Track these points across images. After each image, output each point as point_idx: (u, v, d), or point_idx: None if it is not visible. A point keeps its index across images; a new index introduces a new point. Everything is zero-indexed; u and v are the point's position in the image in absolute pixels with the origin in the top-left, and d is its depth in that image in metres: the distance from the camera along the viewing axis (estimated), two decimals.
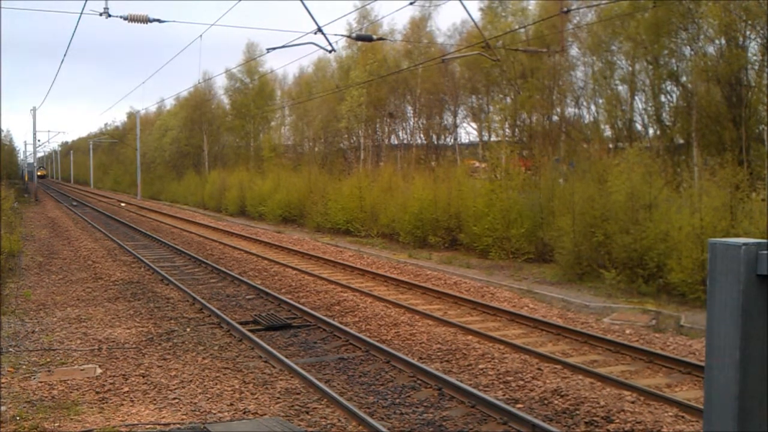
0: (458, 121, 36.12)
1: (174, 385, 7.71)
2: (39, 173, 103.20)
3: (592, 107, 27.63)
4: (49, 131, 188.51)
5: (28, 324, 10.82)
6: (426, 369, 8.14)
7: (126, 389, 7.57)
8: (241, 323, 10.81)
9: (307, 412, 6.96)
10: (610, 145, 24.62)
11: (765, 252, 1.68)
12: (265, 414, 6.80)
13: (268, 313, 11.75)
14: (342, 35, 20.61)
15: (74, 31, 51.40)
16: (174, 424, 6.44)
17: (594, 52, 25.25)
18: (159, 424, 6.42)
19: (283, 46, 16.14)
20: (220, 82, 63.93)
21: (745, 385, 1.69)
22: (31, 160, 76.20)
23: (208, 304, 12.16)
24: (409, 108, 37.53)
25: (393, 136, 40.26)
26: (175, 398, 7.27)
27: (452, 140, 36.71)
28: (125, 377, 8.00)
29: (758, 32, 19.73)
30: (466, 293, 13.54)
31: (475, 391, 7.34)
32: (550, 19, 24.04)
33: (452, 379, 7.78)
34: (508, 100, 30.43)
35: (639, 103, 24.45)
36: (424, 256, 19.28)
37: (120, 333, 10.25)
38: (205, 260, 18.16)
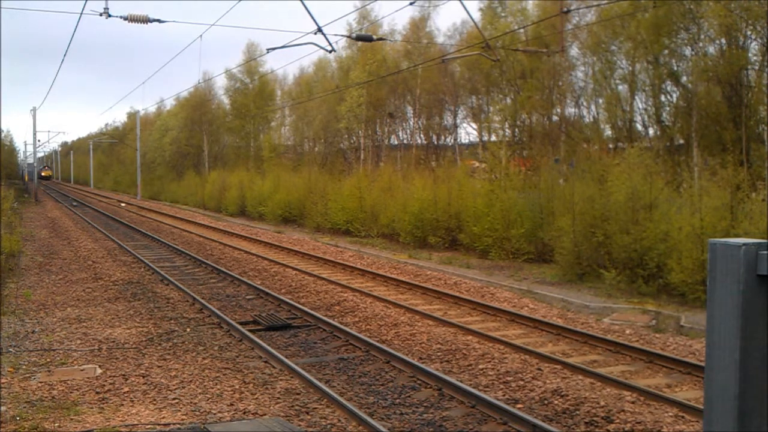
0: (458, 121, 36.17)
1: (174, 386, 7.71)
2: (44, 173, 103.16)
3: (592, 107, 27.67)
4: (49, 131, 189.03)
5: (28, 324, 10.82)
6: (426, 369, 8.14)
7: (126, 389, 7.57)
8: (241, 323, 10.81)
9: (307, 412, 6.96)
10: (610, 145, 24.63)
11: (765, 252, 1.68)
12: (265, 414, 6.80)
13: (268, 314, 11.75)
14: (342, 35, 20.61)
15: (74, 31, 51.47)
16: (174, 424, 6.44)
17: (594, 52, 25.25)
18: (159, 425, 6.42)
19: (283, 47, 16.15)
20: (220, 83, 64.03)
21: (745, 385, 1.69)
22: (31, 160, 76.24)
23: (208, 305, 12.16)
24: (409, 108, 37.56)
25: (393, 137, 40.31)
26: (175, 398, 7.27)
27: (452, 140, 36.74)
28: (125, 377, 8.00)
29: (759, 33, 19.74)
30: (466, 293, 13.54)
31: (475, 391, 7.34)
32: (550, 20, 24.05)
33: (452, 380, 7.77)
34: (508, 100, 30.44)
35: (639, 103, 24.48)
36: (424, 257, 19.28)
37: (120, 333, 10.25)
38: (205, 260, 18.16)
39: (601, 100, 26.20)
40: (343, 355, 9.33)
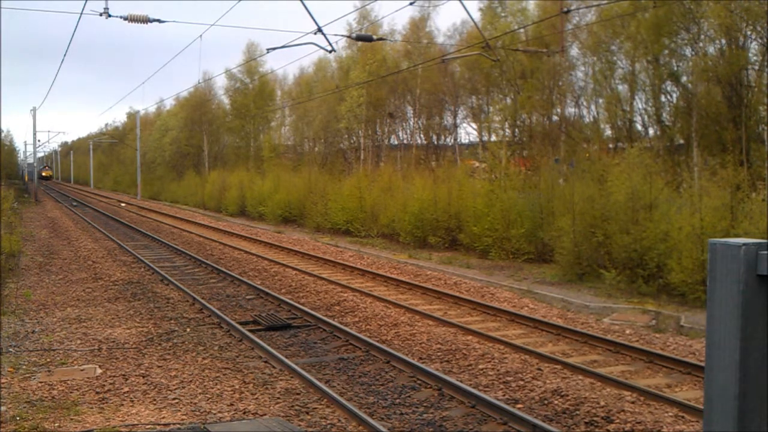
0: (458, 121, 36.16)
1: (174, 386, 7.71)
2: (44, 174, 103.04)
3: (592, 107, 27.67)
4: (49, 131, 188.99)
5: (28, 324, 10.82)
6: (426, 369, 8.14)
7: (126, 389, 7.57)
8: (241, 323, 10.81)
9: (307, 412, 6.96)
10: (610, 145, 24.64)
11: (765, 252, 1.68)
12: (265, 414, 6.80)
13: (268, 314, 11.75)
14: (342, 35, 20.61)
15: (74, 31, 51.42)
16: (174, 424, 6.44)
17: (594, 52, 25.26)
18: (159, 425, 6.42)
19: (283, 46, 16.16)
20: (220, 83, 64.04)
21: (745, 385, 1.69)
22: (31, 160, 76.25)
23: (208, 305, 12.16)
24: (409, 108, 37.55)
25: (393, 137, 40.30)
26: (175, 398, 7.27)
27: (452, 140, 36.74)
28: (125, 377, 8.00)
29: (759, 33, 19.74)
30: (466, 293, 13.54)
31: (475, 391, 7.34)
32: (550, 20, 24.05)
33: (452, 380, 7.77)
34: (508, 100, 30.44)
35: (639, 103, 24.49)
36: (424, 257, 19.28)
37: (120, 333, 10.25)
38: (205, 260, 18.16)
39: (601, 100, 26.21)
40: (343, 355, 9.33)
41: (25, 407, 6.93)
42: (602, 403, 7.07)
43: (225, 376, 8.09)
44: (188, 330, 10.59)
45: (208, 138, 53.88)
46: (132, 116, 67.97)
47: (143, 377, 8.02)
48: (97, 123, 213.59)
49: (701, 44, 21.54)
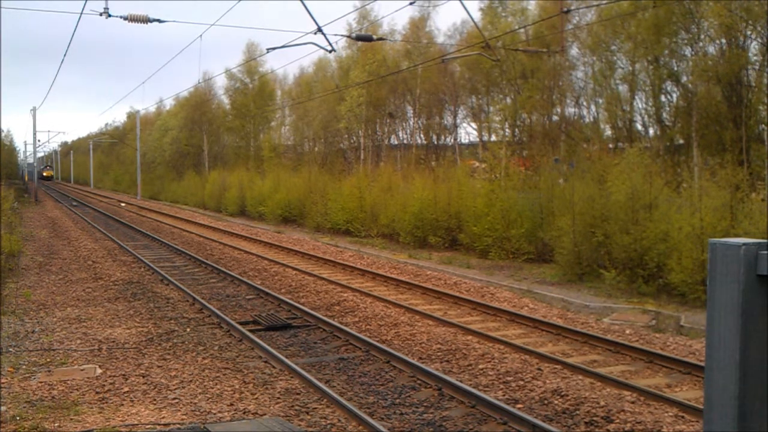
0: (458, 121, 36.16)
1: (174, 385, 7.71)
2: (45, 174, 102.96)
3: (592, 107, 27.67)
4: (49, 131, 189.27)
5: (28, 324, 10.82)
6: (426, 369, 8.14)
7: (126, 389, 7.57)
8: (241, 323, 10.81)
9: (307, 412, 6.96)
10: (610, 145, 24.64)
11: (765, 252, 1.67)
12: (265, 414, 6.80)
13: (268, 314, 11.75)
14: (342, 35, 20.59)
15: (74, 31, 51.36)
16: (174, 424, 6.44)
17: (594, 52, 25.26)
18: (159, 424, 6.42)
19: (283, 46, 16.15)
20: (220, 82, 64.02)
21: (745, 385, 1.69)
22: (31, 160, 76.26)
23: (208, 304, 12.16)
24: (409, 108, 37.54)
25: (393, 136, 40.30)
26: (175, 398, 7.27)
27: (452, 140, 36.73)
28: (125, 377, 8.00)
29: (759, 32, 19.74)
30: (466, 293, 13.54)
31: (475, 391, 7.34)
32: (550, 20, 24.05)
33: (452, 379, 7.77)
34: (508, 100, 30.44)
35: (639, 103, 24.49)
36: (424, 256, 19.28)
37: (120, 333, 10.25)
38: (205, 260, 18.16)
39: (601, 100, 26.22)
40: (343, 355, 9.33)
41: (25, 407, 6.93)
42: (602, 403, 7.08)
43: (225, 376, 8.09)
44: (188, 330, 10.59)
45: (208, 138, 53.88)
46: (132, 116, 67.99)
47: (143, 377, 8.02)
48: (97, 123, 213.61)
49: (701, 44, 21.54)
